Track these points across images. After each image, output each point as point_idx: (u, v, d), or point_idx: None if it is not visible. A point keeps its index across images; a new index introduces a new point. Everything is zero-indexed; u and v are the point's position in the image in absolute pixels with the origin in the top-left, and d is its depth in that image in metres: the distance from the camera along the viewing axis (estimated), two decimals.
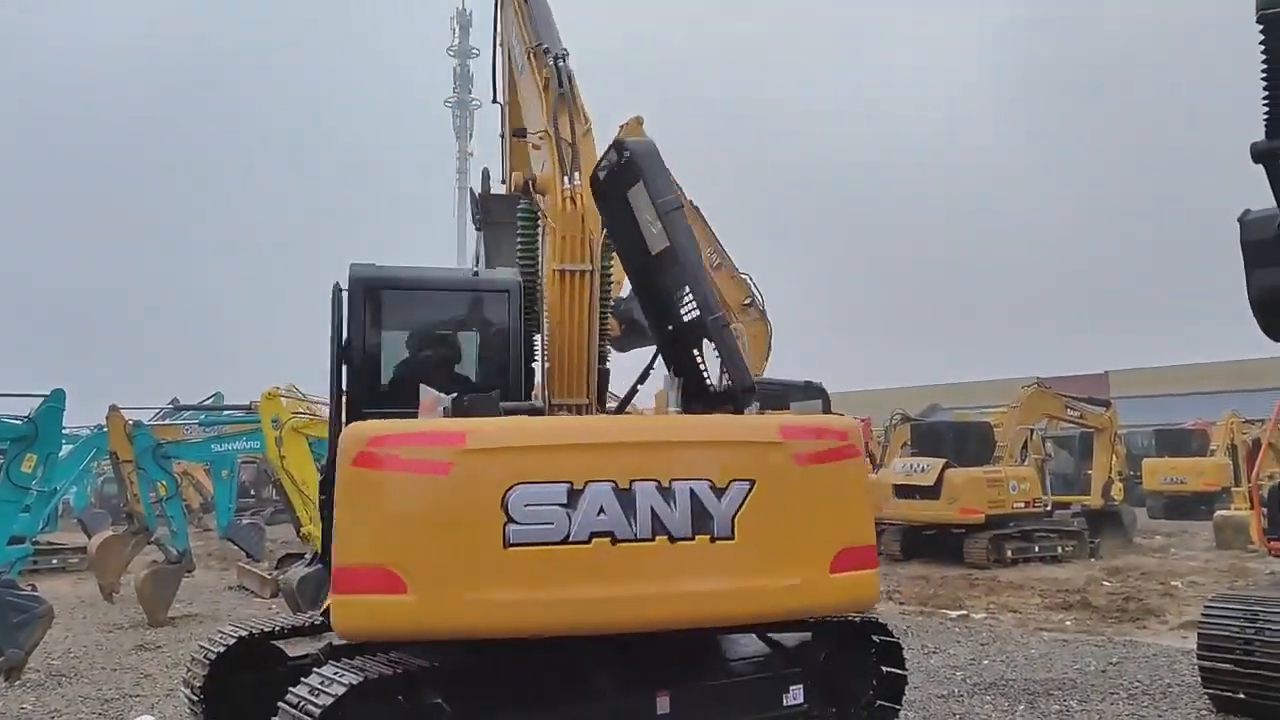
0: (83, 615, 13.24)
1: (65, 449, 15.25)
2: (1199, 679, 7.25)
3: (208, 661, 6.34)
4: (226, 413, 16.73)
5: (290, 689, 5.01)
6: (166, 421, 15.37)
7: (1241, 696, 6.83)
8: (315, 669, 5.19)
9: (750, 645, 6.42)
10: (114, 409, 14.15)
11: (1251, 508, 18.37)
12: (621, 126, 12.03)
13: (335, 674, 4.93)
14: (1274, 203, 6.29)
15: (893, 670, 6.71)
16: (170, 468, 13.91)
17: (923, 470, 17.97)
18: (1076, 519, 19.86)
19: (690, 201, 12.71)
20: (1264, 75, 5.88)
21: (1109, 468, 20.77)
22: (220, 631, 6.67)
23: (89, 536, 17.78)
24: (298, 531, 16.12)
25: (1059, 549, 17.91)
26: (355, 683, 4.78)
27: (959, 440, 19.03)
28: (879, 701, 6.64)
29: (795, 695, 6.20)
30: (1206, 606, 7.22)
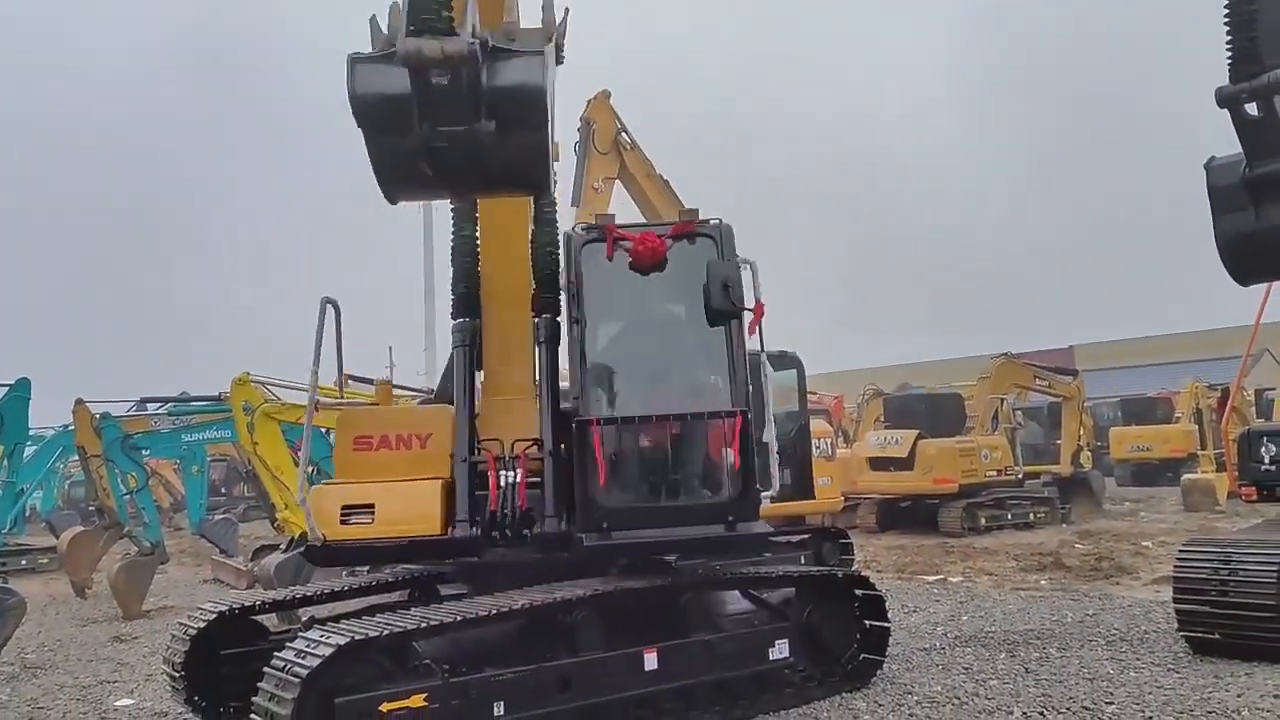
0: (55, 611, 13.03)
1: (30, 450, 14.98)
2: (1174, 626, 7.37)
3: (188, 638, 6.25)
4: (195, 403, 16.44)
5: (276, 654, 4.96)
6: (134, 413, 15.08)
7: (1216, 637, 6.95)
8: (300, 635, 5.15)
9: (735, 601, 6.46)
10: (80, 403, 13.89)
11: (1219, 468, 18.80)
12: (589, 101, 11.95)
13: (321, 636, 4.89)
14: (1239, 149, 6.43)
15: (876, 623, 6.80)
16: (140, 459, 13.68)
17: (896, 442, 18.12)
18: (1047, 487, 20.12)
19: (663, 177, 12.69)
20: (1226, 22, 5.98)
21: (1077, 435, 21.05)
22: (200, 608, 6.58)
23: (57, 538, 17.48)
24: (272, 522, 15.89)
25: (1031, 515, 18.19)
26: (342, 644, 4.74)
27: (931, 412, 19.18)
28: (863, 654, 6.74)
29: (781, 649, 6.29)
30: (1181, 551, 7.32)
